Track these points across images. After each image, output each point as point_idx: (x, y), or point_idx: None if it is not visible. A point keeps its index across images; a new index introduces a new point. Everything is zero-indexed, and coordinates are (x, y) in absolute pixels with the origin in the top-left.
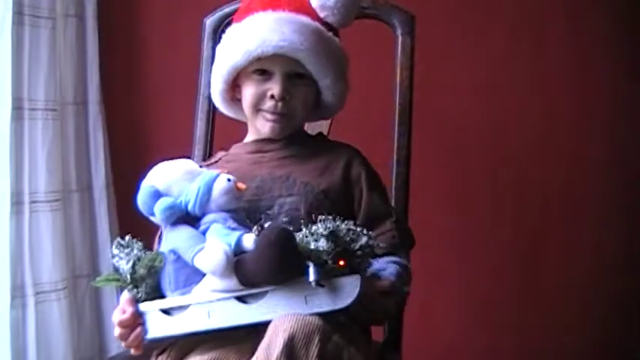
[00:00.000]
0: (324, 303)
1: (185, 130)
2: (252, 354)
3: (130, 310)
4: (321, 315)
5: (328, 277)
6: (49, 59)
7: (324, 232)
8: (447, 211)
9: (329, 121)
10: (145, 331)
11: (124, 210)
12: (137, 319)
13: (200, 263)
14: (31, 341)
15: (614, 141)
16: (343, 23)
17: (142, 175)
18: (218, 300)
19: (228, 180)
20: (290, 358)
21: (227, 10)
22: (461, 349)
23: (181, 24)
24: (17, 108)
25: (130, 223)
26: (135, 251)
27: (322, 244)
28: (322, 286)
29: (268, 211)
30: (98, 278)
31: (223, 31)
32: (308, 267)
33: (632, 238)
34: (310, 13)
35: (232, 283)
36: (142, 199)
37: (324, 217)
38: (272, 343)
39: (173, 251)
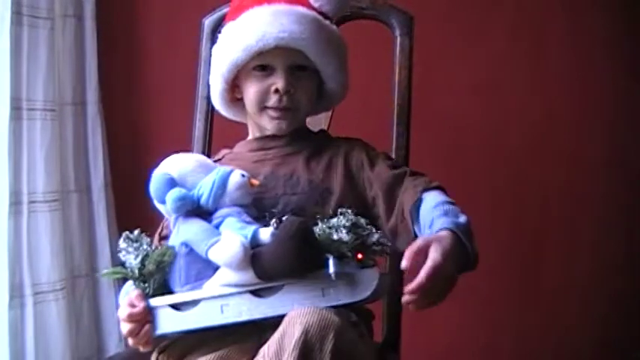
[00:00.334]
0: (341, 296)
1: (184, 130)
2: (256, 352)
3: (141, 304)
4: (336, 308)
5: (346, 270)
6: (47, 59)
7: (347, 224)
8: None
9: (328, 116)
10: (154, 327)
11: (122, 210)
12: (147, 315)
13: (215, 256)
14: (30, 341)
15: (613, 141)
16: (338, 11)
17: (141, 175)
18: (232, 294)
19: (243, 175)
20: (304, 353)
21: (226, 10)
22: (460, 349)
23: (180, 24)
24: (16, 108)
25: (129, 224)
26: (144, 246)
27: (344, 235)
28: (342, 277)
29: (273, 209)
30: (105, 271)
31: (219, 33)
32: (326, 259)
33: (631, 238)
34: (305, 3)
35: (248, 276)
36: (155, 185)
37: (343, 209)
38: (286, 336)
39: (185, 244)
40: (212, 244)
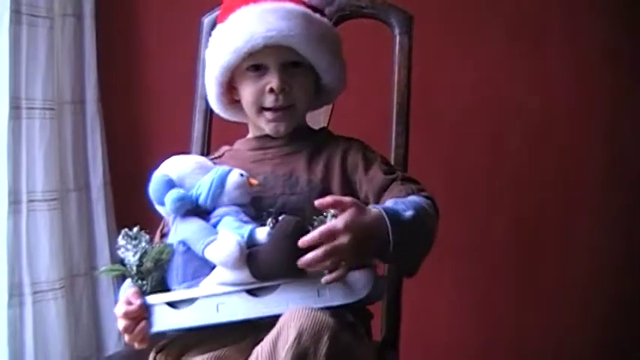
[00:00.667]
0: (336, 297)
1: (182, 129)
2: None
3: (136, 302)
4: (332, 309)
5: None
6: (46, 58)
7: (330, 219)
8: (445, 211)
9: (328, 114)
10: (150, 324)
11: (121, 209)
12: (143, 312)
13: (211, 254)
14: (29, 340)
15: (613, 141)
16: (327, 3)
17: (140, 174)
18: (228, 293)
19: (241, 175)
20: (298, 355)
21: (217, 17)
22: (459, 349)
23: (179, 23)
24: (15, 107)
25: (128, 222)
26: (143, 243)
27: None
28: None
29: (271, 209)
30: (102, 268)
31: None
32: None
33: (631, 238)
34: None
35: (244, 275)
36: (154, 187)
37: (336, 212)
38: (280, 337)
39: (183, 242)
40: (208, 243)
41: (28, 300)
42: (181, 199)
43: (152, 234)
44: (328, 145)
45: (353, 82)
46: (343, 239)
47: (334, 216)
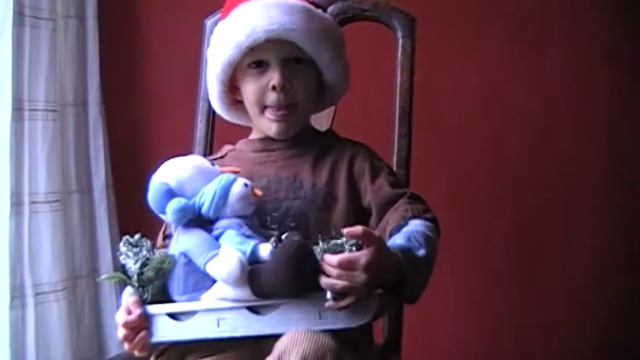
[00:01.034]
0: (338, 320)
1: (185, 131)
2: (252, 358)
3: (136, 312)
4: (333, 331)
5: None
6: (49, 60)
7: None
8: (447, 213)
9: (330, 116)
10: (150, 334)
11: (123, 211)
12: (143, 322)
13: (212, 270)
14: (31, 342)
15: (613, 141)
16: (328, 2)
17: (142, 176)
18: (229, 308)
19: (245, 185)
20: None
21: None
22: (460, 351)
23: (182, 25)
24: (17, 109)
25: (130, 225)
26: (144, 252)
27: None
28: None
29: (274, 213)
30: (104, 276)
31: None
32: None
33: (631, 238)
34: None
35: (245, 293)
36: (153, 196)
37: (345, 230)
38: None
39: (184, 254)
40: (210, 258)
41: (30, 302)
42: (182, 210)
43: (154, 236)
44: (334, 149)
45: (355, 85)
46: (360, 277)
47: (354, 245)
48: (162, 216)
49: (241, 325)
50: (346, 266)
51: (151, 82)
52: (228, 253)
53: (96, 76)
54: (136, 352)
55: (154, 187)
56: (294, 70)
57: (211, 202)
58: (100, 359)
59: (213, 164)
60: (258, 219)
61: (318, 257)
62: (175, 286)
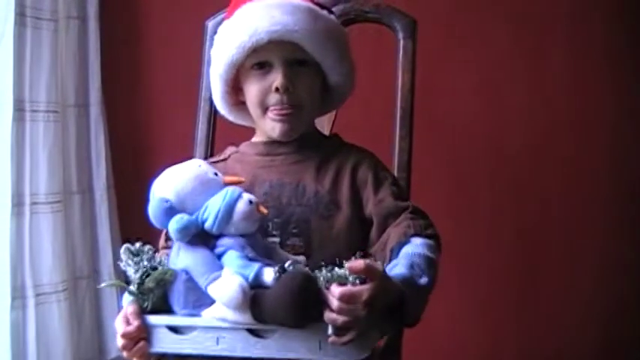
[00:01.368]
0: (338, 352)
1: (186, 132)
2: None
3: (135, 323)
4: None
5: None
6: (50, 61)
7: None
8: (448, 215)
9: (331, 119)
10: (149, 344)
11: (124, 212)
12: (142, 332)
13: (214, 293)
14: (31, 342)
15: (615, 143)
16: (334, 2)
17: (143, 177)
18: (229, 328)
19: (250, 202)
20: None
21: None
22: (461, 353)
23: (183, 26)
24: (19, 109)
25: (131, 226)
26: (145, 262)
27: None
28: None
29: (276, 219)
30: (104, 283)
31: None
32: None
33: (633, 241)
34: None
35: (245, 317)
36: (155, 214)
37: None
38: None
39: (185, 271)
40: (212, 281)
41: (31, 302)
42: (185, 229)
43: (156, 237)
44: (338, 155)
45: (356, 86)
46: (362, 312)
47: (357, 278)
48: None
49: (240, 346)
50: (347, 300)
51: (152, 83)
52: (231, 279)
53: (97, 77)
54: None
55: (155, 204)
56: (298, 73)
57: (215, 220)
58: None
59: (216, 174)
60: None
61: (322, 285)
62: (176, 299)
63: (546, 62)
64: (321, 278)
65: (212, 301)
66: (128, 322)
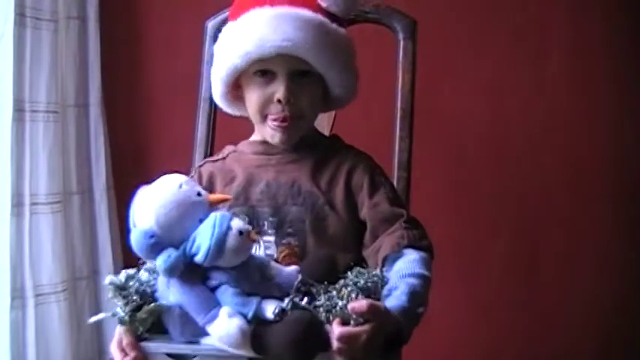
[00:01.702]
0: None
1: (186, 132)
2: None
3: (131, 354)
4: None
5: None
6: (50, 61)
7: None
8: (449, 216)
9: (331, 120)
10: None
11: (124, 212)
12: None
13: (213, 332)
14: (31, 343)
15: (617, 142)
16: (347, 12)
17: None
18: (230, 356)
19: (240, 233)
20: None
21: (228, 13)
22: (461, 353)
23: (183, 27)
24: (18, 110)
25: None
26: (134, 296)
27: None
28: None
29: (271, 218)
30: (93, 318)
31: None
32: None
33: (634, 241)
34: (311, 4)
35: (247, 352)
36: (139, 248)
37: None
38: None
39: (180, 306)
40: (209, 320)
41: (31, 303)
42: (174, 268)
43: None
44: (336, 157)
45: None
46: (359, 352)
47: (360, 319)
48: None
49: None
50: (347, 341)
51: (152, 84)
52: (230, 321)
53: (97, 78)
54: None
55: (138, 238)
56: (301, 84)
57: (205, 256)
58: None
59: (199, 193)
60: (255, 224)
61: (322, 317)
62: (172, 327)
63: (546, 62)
64: (321, 309)
65: (208, 334)
66: (124, 353)
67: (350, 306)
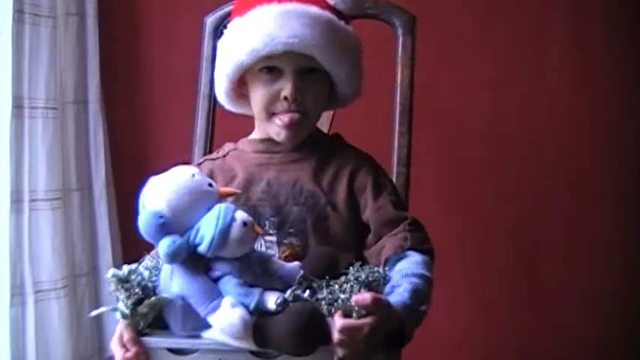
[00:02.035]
0: None
1: (185, 129)
2: None
3: (132, 349)
4: None
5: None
6: (49, 58)
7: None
8: (448, 212)
9: (330, 118)
10: None
11: (124, 209)
12: (140, 357)
13: (215, 323)
14: (31, 340)
15: (617, 139)
16: (355, 10)
17: (143, 173)
18: (232, 351)
19: (244, 224)
20: None
21: (227, 9)
22: (461, 353)
23: (182, 23)
24: (17, 106)
25: (130, 222)
26: (135, 289)
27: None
28: None
29: (273, 218)
30: (94, 312)
31: (225, 28)
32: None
33: (634, 241)
34: (318, 1)
35: (248, 343)
36: (146, 228)
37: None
38: None
39: (182, 297)
40: (212, 310)
41: (30, 299)
42: (177, 254)
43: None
44: (338, 157)
45: None
46: (360, 344)
47: (362, 311)
48: None
49: None
50: (348, 333)
51: (151, 80)
52: (232, 311)
53: (96, 74)
54: None
55: (147, 218)
56: (307, 81)
57: (209, 246)
58: (100, 357)
59: (210, 184)
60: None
61: (323, 309)
62: (173, 321)
63: (546, 57)
64: (323, 302)
65: (210, 326)
66: (126, 348)
67: (354, 298)
